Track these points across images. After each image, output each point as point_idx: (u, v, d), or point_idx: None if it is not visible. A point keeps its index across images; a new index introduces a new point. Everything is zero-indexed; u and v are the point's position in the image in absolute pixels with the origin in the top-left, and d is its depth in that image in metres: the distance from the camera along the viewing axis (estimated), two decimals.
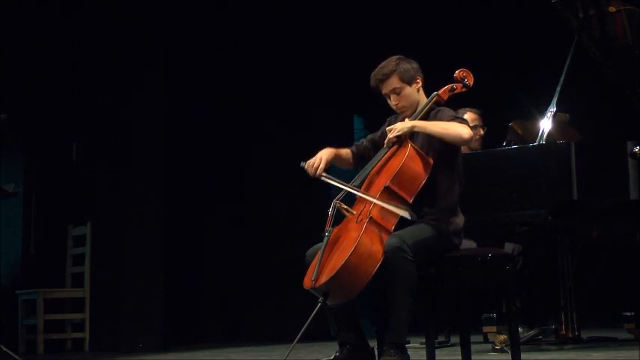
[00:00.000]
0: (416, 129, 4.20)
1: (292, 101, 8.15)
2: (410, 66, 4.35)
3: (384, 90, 4.37)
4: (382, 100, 4.45)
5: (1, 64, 7.52)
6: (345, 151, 4.49)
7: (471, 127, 5.90)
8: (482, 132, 6.16)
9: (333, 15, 8.39)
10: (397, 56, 4.39)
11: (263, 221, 8.06)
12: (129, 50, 7.48)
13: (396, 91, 4.34)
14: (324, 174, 4.28)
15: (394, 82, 4.32)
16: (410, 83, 4.34)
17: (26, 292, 7.33)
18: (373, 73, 4.38)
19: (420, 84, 4.39)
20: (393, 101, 4.37)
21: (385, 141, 4.28)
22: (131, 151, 7.45)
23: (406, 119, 4.35)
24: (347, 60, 8.21)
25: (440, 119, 4.28)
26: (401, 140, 4.22)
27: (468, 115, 6.10)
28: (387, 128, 4.27)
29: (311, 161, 4.32)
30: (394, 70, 4.32)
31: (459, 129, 4.16)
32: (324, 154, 4.34)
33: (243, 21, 8.10)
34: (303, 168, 4.33)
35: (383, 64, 4.37)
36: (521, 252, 5.85)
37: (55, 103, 7.72)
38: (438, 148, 4.24)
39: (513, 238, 5.71)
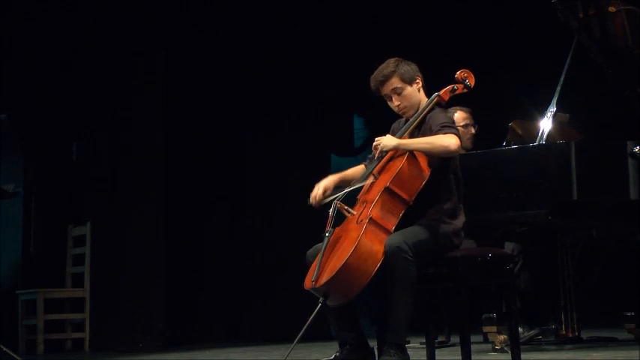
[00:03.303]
0: (400, 147, 4.20)
1: (292, 101, 8.15)
2: (409, 67, 4.35)
3: (385, 91, 4.36)
4: (382, 100, 4.44)
5: (1, 64, 7.52)
6: (357, 169, 4.50)
7: (462, 126, 5.96)
8: (473, 131, 6.13)
9: (334, 15, 8.38)
10: (395, 58, 4.38)
11: (263, 221, 8.05)
12: (129, 50, 7.47)
13: (397, 91, 4.33)
14: (323, 198, 4.32)
15: (395, 82, 4.32)
16: (410, 83, 4.34)
17: (26, 292, 7.32)
18: (373, 76, 4.37)
19: (421, 84, 4.39)
20: (394, 102, 4.36)
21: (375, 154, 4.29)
22: (131, 151, 7.44)
23: (405, 117, 4.38)
24: (347, 60, 8.21)
25: (430, 126, 4.27)
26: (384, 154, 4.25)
27: (459, 114, 6.08)
28: (374, 145, 4.27)
29: (312, 194, 4.36)
30: (394, 71, 4.32)
31: (444, 142, 4.13)
32: (322, 182, 4.39)
33: (244, 21, 8.10)
34: (311, 205, 4.37)
35: (382, 66, 4.37)
36: (521, 252, 5.85)
37: (55, 103, 7.71)
38: None
39: (513, 238, 5.71)
